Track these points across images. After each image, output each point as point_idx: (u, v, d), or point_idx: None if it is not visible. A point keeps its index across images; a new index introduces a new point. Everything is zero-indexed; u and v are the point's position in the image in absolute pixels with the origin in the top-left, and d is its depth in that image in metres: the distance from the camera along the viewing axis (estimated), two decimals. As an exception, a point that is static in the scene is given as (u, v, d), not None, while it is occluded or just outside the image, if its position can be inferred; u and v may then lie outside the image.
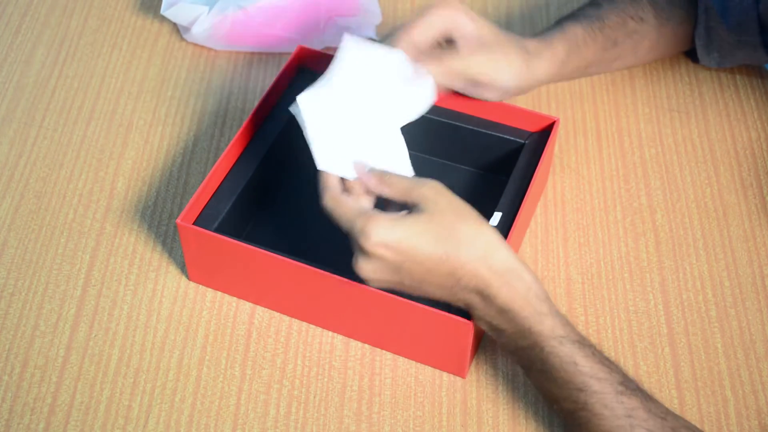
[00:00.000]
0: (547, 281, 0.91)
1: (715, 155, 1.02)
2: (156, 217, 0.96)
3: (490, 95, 0.91)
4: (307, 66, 1.00)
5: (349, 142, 0.83)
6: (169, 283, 0.91)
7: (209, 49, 1.12)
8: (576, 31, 0.94)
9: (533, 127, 0.95)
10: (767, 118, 1.06)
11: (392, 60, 0.84)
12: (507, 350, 0.79)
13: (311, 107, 0.83)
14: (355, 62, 0.84)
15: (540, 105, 1.07)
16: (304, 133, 0.83)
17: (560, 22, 0.95)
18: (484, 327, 0.79)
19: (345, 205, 0.78)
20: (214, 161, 1.00)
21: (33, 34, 1.14)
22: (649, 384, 0.84)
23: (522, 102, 1.07)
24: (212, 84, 1.09)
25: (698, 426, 0.82)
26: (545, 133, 0.94)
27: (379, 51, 0.84)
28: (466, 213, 0.78)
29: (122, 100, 1.07)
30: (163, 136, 1.03)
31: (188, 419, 0.82)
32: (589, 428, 0.74)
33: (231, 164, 0.92)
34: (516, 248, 0.92)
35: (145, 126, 1.04)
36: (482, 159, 0.98)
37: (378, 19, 1.14)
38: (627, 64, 1.02)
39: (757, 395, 0.84)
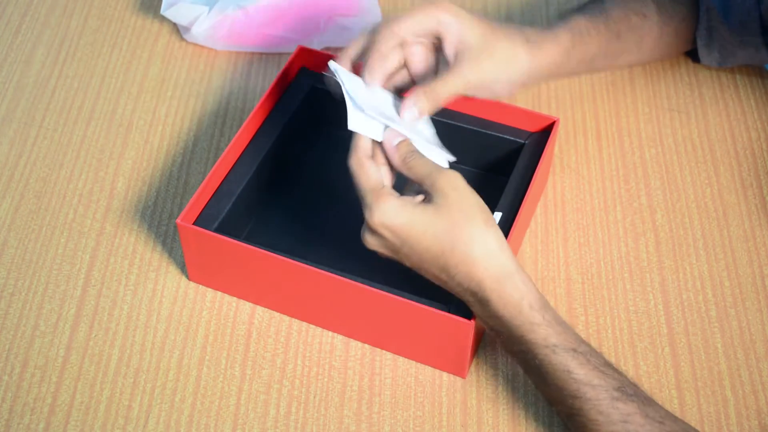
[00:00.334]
0: (547, 281, 0.91)
1: (715, 155, 1.02)
2: (156, 217, 0.96)
3: (499, 92, 0.88)
4: (307, 66, 1.00)
5: (382, 108, 0.82)
6: (169, 283, 0.91)
7: (209, 49, 1.12)
8: (580, 21, 0.92)
9: (533, 127, 0.95)
10: (767, 118, 1.06)
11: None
12: (504, 349, 0.80)
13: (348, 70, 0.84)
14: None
15: (540, 105, 1.07)
16: (342, 90, 0.82)
17: (563, 15, 0.94)
18: (482, 324, 0.80)
19: (366, 172, 0.79)
20: (214, 161, 1.00)
21: (33, 34, 1.14)
22: (649, 384, 0.84)
23: (522, 102, 1.07)
24: (212, 84, 1.09)
25: (698, 427, 0.82)
26: (545, 133, 0.94)
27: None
28: (474, 212, 0.77)
29: (122, 100, 1.07)
30: (163, 136, 1.03)
31: (188, 419, 0.82)
32: None
33: (231, 164, 0.92)
34: (516, 248, 0.92)
35: (145, 126, 1.04)
36: (482, 159, 0.98)
37: (378, 19, 1.14)
38: (631, 61, 1.02)
39: (757, 395, 0.84)
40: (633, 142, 1.03)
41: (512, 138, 0.95)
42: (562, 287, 0.91)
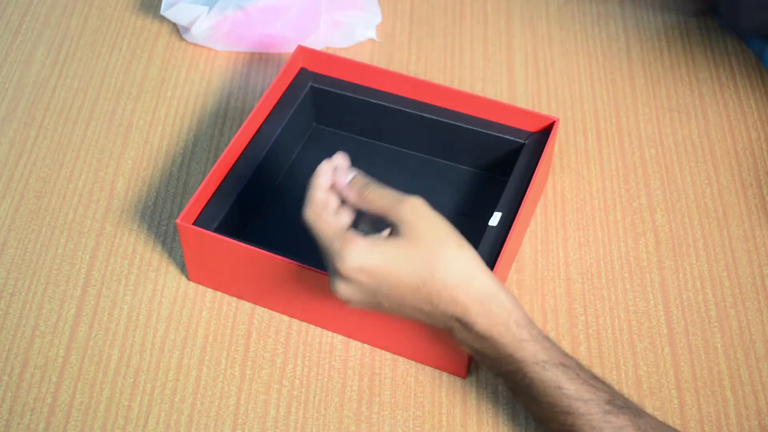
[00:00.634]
0: (547, 281, 0.91)
1: (715, 155, 1.02)
2: (156, 217, 0.96)
3: None
4: (307, 66, 1.00)
5: None
6: (168, 283, 0.91)
7: (209, 49, 1.12)
8: None
9: (533, 127, 0.95)
10: (767, 118, 1.06)
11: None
12: (492, 372, 0.78)
13: None
14: None
15: (540, 105, 1.07)
16: None
17: None
18: (466, 349, 0.77)
19: (326, 221, 0.76)
20: (214, 161, 1.00)
21: (33, 34, 1.14)
22: (649, 384, 0.84)
23: (522, 102, 1.07)
24: (212, 84, 1.09)
25: (698, 427, 0.82)
26: (545, 133, 0.94)
27: None
28: (445, 237, 0.75)
29: (122, 100, 1.07)
30: (163, 136, 1.03)
31: (188, 419, 0.82)
32: None
33: (231, 164, 0.92)
34: (516, 248, 0.92)
35: (145, 126, 1.04)
36: (482, 159, 0.98)
37: (378, 19, 1.14)
38: None
39: (757, 395, 0.84)
40: (633, 142, 1.03)
41: (512, 138, 0.95)
42: (562, 287, 0.91)
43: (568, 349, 0.87)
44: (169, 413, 0.82)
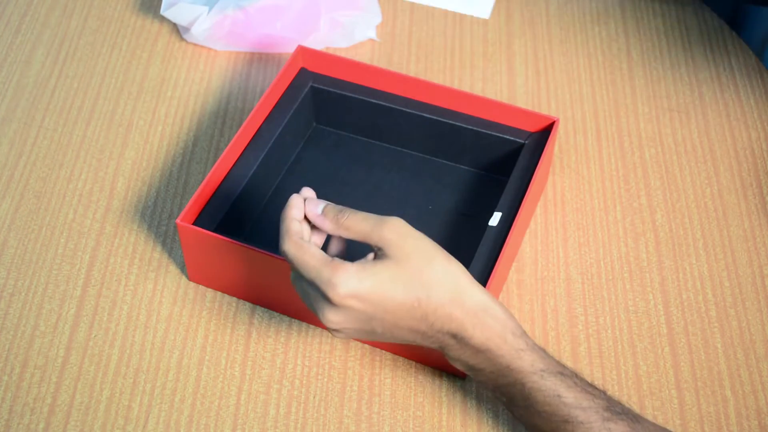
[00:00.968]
0: (547, 281, 0.91)
1: (715, 155, 1.02)
2: (156, 217, 0.96)
3: None
4: (307, 66, 1.00)
5: None
6: (168, 283, 0.91)
7: (209, 49, 1.12)
8: None
9: (533, 127, 0.95)
10: (767, 118, 1.06)
11: None
12: (487, 388, 0.77)
13: None
14: None
15: (540, 105, 1.07)
16: None
17: None
18: (460, 367, 0.77)
19: (308, 251, 0.73)
20: (214, 161, 1.00)
21: (33, 34, 1.14)
22: (649, 384, 0.84)
23: (522, 102, 1.07)
24: (212, 84, 1.09)
25: (698, 427, 0.82)
26: (545, 133, 0.94)
27: None
28: (433, 253, 0.74)
29: (122, 100, 1.07)
30: (163, 136, 1.03)
31: (188, 419, 0.82)
32: None
33: (231, 164, 0.92)
34: (516, 248, 0.92)
35: (145, 126, 1.04)
36: (482, 159, 0.98)
37: (378, 19, 1.14)
38: None
39: (757, 395, 0.84)
40: (633, 142, 1.03)
41: (512, 138, 0.95)
42: (562, 287, 0.91)
43: (568, 349, 0.87)
44: (169, 413, 0.82)
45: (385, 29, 1.15)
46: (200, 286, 0.91)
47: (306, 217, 0.77)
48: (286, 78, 0.98)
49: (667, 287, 0.91)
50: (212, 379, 0.84)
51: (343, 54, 1.12)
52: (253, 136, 0.94)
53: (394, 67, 1.10)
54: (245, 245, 0.84)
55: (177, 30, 1.14)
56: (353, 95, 0.98)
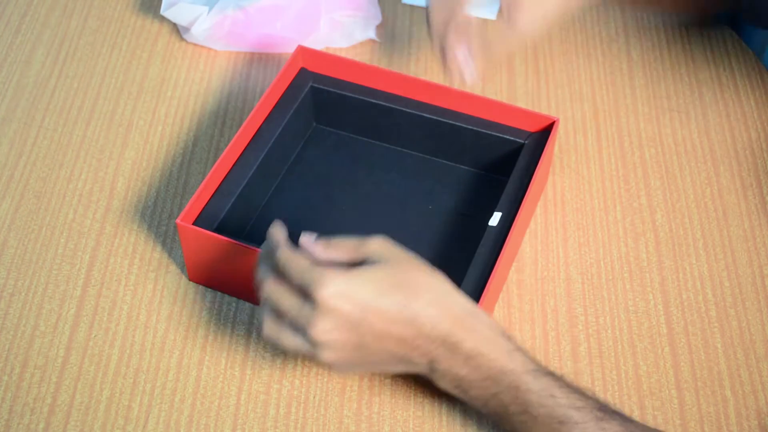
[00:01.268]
0: (547, 281, 0.91)
1: (715, 155, 1.02)
2: (156, 217, 0.96)
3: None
4: (307, 66, 1.00)
5: None
6: (168, 283, 0.91)
7: (209, 49, 1.12)
8: None
9: (533, 127, 0.95)
10: (767, 118, 1.06)
11: None
12: (478, 404, 0.76)
13: None
14: None
15: (540, 105, 1.07)
16: None
17: None
18: (448, 385, 0.76)
19: (297, 257, 0.74)
20: (214, 161, 1.00)
21: (33, 34, 1.14)
22: (649, 384, 0.85)
23: (522, 102, 1.07)
24: (212, 84, 1.09)
25: (698, 427, 0.82)
26: (545, 133, 0.94)
27: None
28: (417, 262, 0.76)
29: (122, 100, 1.07)
30: (163, 136, 1.03)
31: (188, 419, 0.82)
32: None
33: (231, 164, 0.92)
34: (516, 248, 0.92)
35: (145, 126, 1.05)
36: (482, 159, 0.98)
37: (378, 19, 1.14)
38: (666, 7, 0.98)
39: (757, 395, 0.84)
40: (633, 142, 1.03)
41: (512, 138, 0.95)
42: (562, 287, 0.91)
43: (568, 349, 0.87)
44: (169, 413, 0.82)
45: (385, 29, 1.15)
46: (200, 286, 0.91)
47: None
48: (286, 78, 0.98)
49: (667, 287, 0.91)
50: (212, 379, 0.85)
51: (343, 54, 1.12)
52: (253, 136, 0.94)
53: (394, 68, 1.10)
54: (245, 245, 0.84)
55: (177, 30, 1.14)
56: (353, 95, 0.98)
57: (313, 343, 0.73)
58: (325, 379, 0.84)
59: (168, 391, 0.84)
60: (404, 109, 0.97)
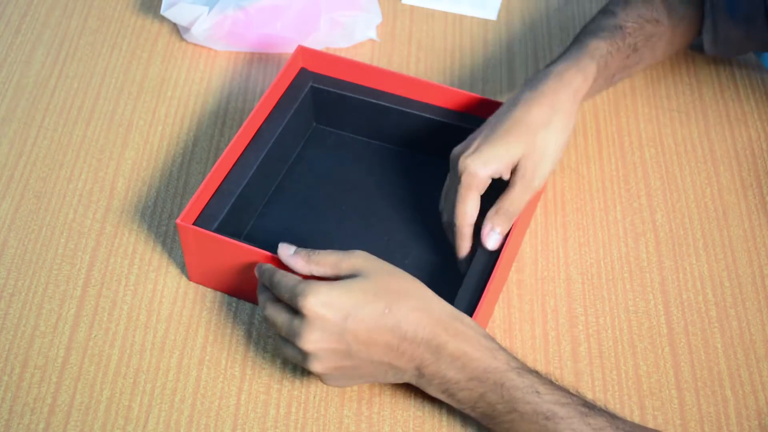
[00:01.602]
0: (547, 281, 0.91)
1: (715, 155, 1.02)
2: (156, 217, 0.96)
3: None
4: (307, 66, 1.00)
5: None
6: (169, 283, 0.91)
7: (209, 49, 1.12)
8: (600, 46, 0.92)
9: (533, 127, 0.95)
10: (767, 118, 1.06)
11: None
12: (467, 408, 0.77)
13: None
14: None
15: (540, 105, 1.07)
16: None
17: (581, 40, 0.93)
18: (436, 390, 0.77)
19: (287, 277, 0.78)
20: (214, 161, 1.00)
21: (33, 34, 1.14)
22: (649, 384, 0.84)
23: (522, 102, 1.07)
24: (212, 84, 1.09)
25: (698, 427, 0.82)
26: (545, 133, 0.94)
27: None
28: (398, 272, 0.78)
29: (122, 100, 1.07)
30: (163, 136, 1.03)
31: (188, 419, 0.82)
32: None
33: (231, 164, 0.92)
34: (516, 248, 0.92)
35: (145, 126, 1.05)
36: (482, 159, 0.97)
37: (378, 19, 1.14)
38: (645, 66, 1.01)
39: (757, 395, 0.84)
40: (633, 142, 1.03)
41: (512, 138, 0.95)
42: (562, 287, 0.91)
43: (568, 349, 0.87)
44: (169, 413, 0.82)
45: (385, 29, 1.15)
46: (200, 286, 0.91)
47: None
48: (286, 78, 0.98)
49: (667, 287, 0.91)
50: (212, 379, 0.85)
51: (343, 54, 1.12)
52: (254, 136, 0.94)
53: (394, 68, 1.10)
54: (245, 245, 0.84)
55: (177, 30, 1.14)
56: (353, 95, 0.98)
57: (304, 354, 0.76)
58: (325, 379, 0.85)
59: (168, 391, 0.84)
60: (404, 109, 0.97)
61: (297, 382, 0.84)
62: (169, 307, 0.89)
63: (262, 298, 0.80)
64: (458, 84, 1.09)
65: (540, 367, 0.84)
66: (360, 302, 0.75)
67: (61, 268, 0.92)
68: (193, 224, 0.87)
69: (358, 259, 0.78)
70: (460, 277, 0.85)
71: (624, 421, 0.75)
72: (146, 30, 1.15)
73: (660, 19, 0.97)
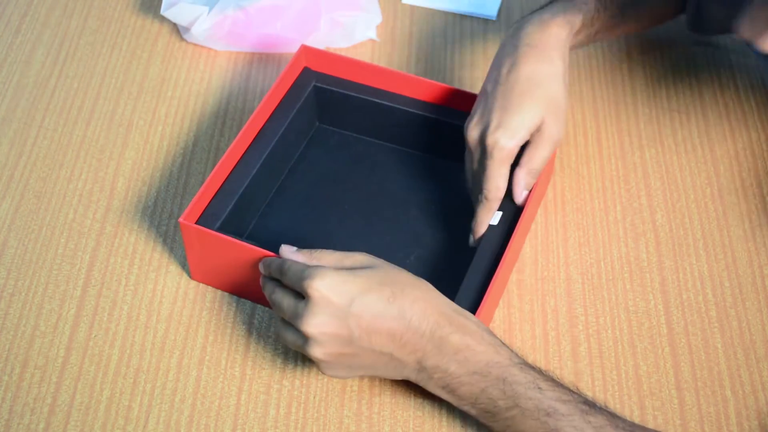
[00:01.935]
0: (547, 281, 0.91)
1: (715, 155, 1.02)
2: (156, 217, 0.96)
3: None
4: (310, 65, 1.00)
5: None
6: (168, 283, 0.91)
7: (209, 49, 1.12)
8: (588, 1, 0.93)
9: (533, 127, 0.95)
10: (767, 118, 1.06)
11: None
12: (467, 404, 0.77)
13: None
14: None
15: (540, 105, 1.07)
16: None
17: None
18: (436, 386, 0.77)
19: (296, 263, 0.78)
20: (214, 161, 1.00)
21: (33, 34, 1.14)
22: (649, 384, 0.85)
23: (522, 102, 1.07)
24: (212, 84, 1.09)
25: (698, 427, 0.82)
26: (545, 133, 0.94)
27: None
28: (400, 268, 0.79)
29: (122, 100, 1.07)
30: (163, 136, 1.03)
31: (188, 419, 0.82)
32: None
33: (234, 163, 0.92)
34: (518, 248, 0.92)
35: (145, 126, 1.05)
36: (482, 159, 0.97)
37: (378, 19, 1.14)
38: (627, 32, 1.03)
39: (757, 395, 0.84)
40: (633, 142, 1.03)
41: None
42: (562, 287, 0.91)
43: (568, 349, 0.87)
44: (169, 413, 0.82)
45: (385, 29, 1.15)
46: (200, 286, 0.91)
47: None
48: (289, 77, 0.98)
49: (667, 287, 0.91)
50: (212, 379, 0.85)
51: (343, 54, 1.12)
52: (256, 135, 0.94)
53: (394, 68, 1.10)
54: (247, 244, 0.84)
55: (177, 30, 1.14)
56: (356, 95, 0.98)
57: (305, 338, 0.76)
58: (325, 380, 0.84)
59: (168, 391, 0.84)
60: (407, 109, 0.97)
61: (297, 382, 0.84)
62: (169, 307, 0.89)
63: (269, 286, 0.80)
64: (458, 84, 1.09)
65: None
66: (365, 289, 0.75)
67: (61, 268, 0.92)
68: (196, 223, 0.87)
69: (360, 256, 0.79)
70: (461, 277, 0.84)
71: (624, 420, 0.75)
72: (146, 30, 1.15)
73: None
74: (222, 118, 1.05)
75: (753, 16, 0.76)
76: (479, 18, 1.17)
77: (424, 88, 0.97)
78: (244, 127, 0.92)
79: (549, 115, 0.87)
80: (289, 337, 0.78)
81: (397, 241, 0.92)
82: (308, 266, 0.77)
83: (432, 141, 0.98)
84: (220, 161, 0.90)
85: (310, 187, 0.97)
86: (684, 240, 0.95)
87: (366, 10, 1.12)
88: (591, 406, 0.74)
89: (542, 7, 0.92)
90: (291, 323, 0.77)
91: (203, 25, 1.09)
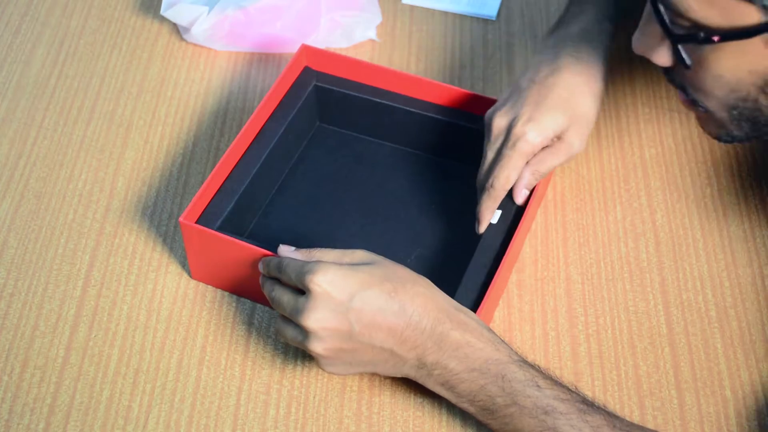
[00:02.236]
0: (547, 281, 0.91)
1: (715, 155, 1.02)
2: (156, 217, 0.96)
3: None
4: (311, 65, 1.00)
5: None
6: (168, 283, 0.91)
7: (209, 49, 1.12)
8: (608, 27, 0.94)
9: (533, 127, 0.95)
10: (767, 119, 1.06)
11: None
12: (466, 401, 0.77)
13: None
14: None
15: (540, 105, 1.07)
16: None
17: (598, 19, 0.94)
18: (436, 383, 0.77)
19: (295, 260, 0.79)
20: (214, 161, 1.00)
21: (33, 34, 1.14)
22: (649, 384, 0.84)
23: (522, 102, 1.07)
24: (212, 84, 1.09)
25: (698, 427, 0.82)
26: (545, 133, 0.94)
27: None
28: (400, 265, 0.79)
29: (122, 100, 1.07)
30: (163, 136, 1.03)
31: (188, 419, 0.82)
32: None
33: (234, 162, 0.92)
34: (518, 249, 0.92)
35: (145, 126, 1.04)
36: (482, 159, 0.97)
37: (378, 19, 1.14)
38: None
39: (757, 395, 0.84)
40: (633, 142, 1.03)
41: (512, 138, 0.95)
42: (562, 287, 0.91)
43: (568, 349, 0.87)
44: (169, 413, 0.82)
45: (385, 29, 1.15)
46: (200, 286, 0.91)
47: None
48: (289, 76, 0.98)
49: (667, 287, 0.91)
50: (212, 379, 0.84)
51: (343, 54, 1.12)
52: (257, 134, 0.94)
53: (394, 68, 1.10)
54: (248, 244, 0.84)
55: (177, 30, 1.14)
56: (357, 94, 0.98)
57: (306, 333, 0.76)
58: (325, 379, 0.84)
59: (168, 391, 0.84)
60: (408, 109, 0.97)
61: (297, 382, 0.84)
62: (169, 307, 0.89)
63: (268, 284, 0.80)
64: (458, 84, 1.09)
65: (540, 367, 0.84)
66: (366, 284, 0.75)
67: (61, 268, 0.92)
68: (196, 222, 0.87)
69: (360, 252, 0.79)
70: (461, 276, 0.84)
71: (622, 420, 0.75)
72: (146, 30, 1.15)
73: None
74: (222, 118, 1.05)
75: (644, 33, 0.78)
76: (479, 18, 1.17)
77: (424, 88, 0.97)
78: (244, 127, 0.92)
79: (575, 125, 0.87)
80: (289, 332, 0.78)
81: (397, 241, 0.92)
82: (308, 262, 0.77)
83: (432, 140, 0.98)
84: (220, 161, 0.90)
85: (311, 186, 0.97)
86: (684, 240, 0.95)
87: (366, 10, 1.12)
88: (589, 405, 0.74)
89: (577, 12, 0.93)
90: (291, 319, 0.77)
91: (203, 25, 1.09)
